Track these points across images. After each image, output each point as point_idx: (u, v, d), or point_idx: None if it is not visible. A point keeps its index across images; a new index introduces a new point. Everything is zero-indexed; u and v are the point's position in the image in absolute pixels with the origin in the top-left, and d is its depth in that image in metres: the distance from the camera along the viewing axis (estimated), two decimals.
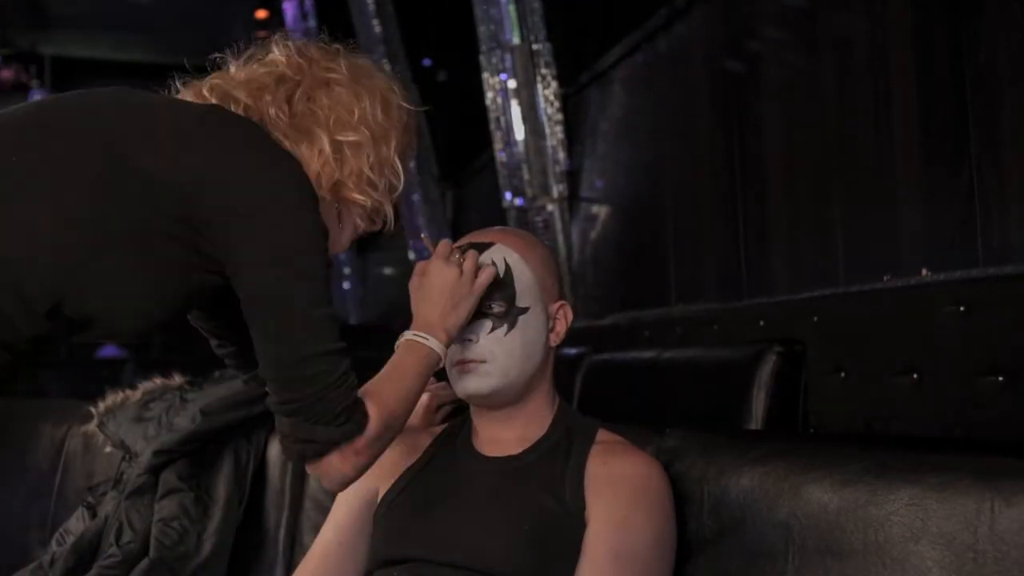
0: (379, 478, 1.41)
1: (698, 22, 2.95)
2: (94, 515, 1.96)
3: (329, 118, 1.24)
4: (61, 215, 1.10)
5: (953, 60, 1.92)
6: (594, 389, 2.60)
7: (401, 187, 1.30)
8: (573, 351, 2.92)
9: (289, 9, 7.12)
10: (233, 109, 1.23)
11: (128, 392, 2.13)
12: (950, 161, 1.92)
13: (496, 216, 3.90)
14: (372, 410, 1.18)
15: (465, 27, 4.00)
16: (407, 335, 1.28)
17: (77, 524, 1.97)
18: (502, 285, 1.33)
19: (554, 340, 1.37)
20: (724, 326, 2.57)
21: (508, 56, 3.76)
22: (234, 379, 1.94)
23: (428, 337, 1.26)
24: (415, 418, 1.45)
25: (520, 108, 3.75)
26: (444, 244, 1.34)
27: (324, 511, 1.64)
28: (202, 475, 1.89)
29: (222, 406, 1.93)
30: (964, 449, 1.21)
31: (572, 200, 3.72)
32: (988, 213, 1.83)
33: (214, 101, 1.24)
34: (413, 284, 1.32)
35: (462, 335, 1.32)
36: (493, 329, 1.32)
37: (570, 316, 1.38)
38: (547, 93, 3.73)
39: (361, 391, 1.19)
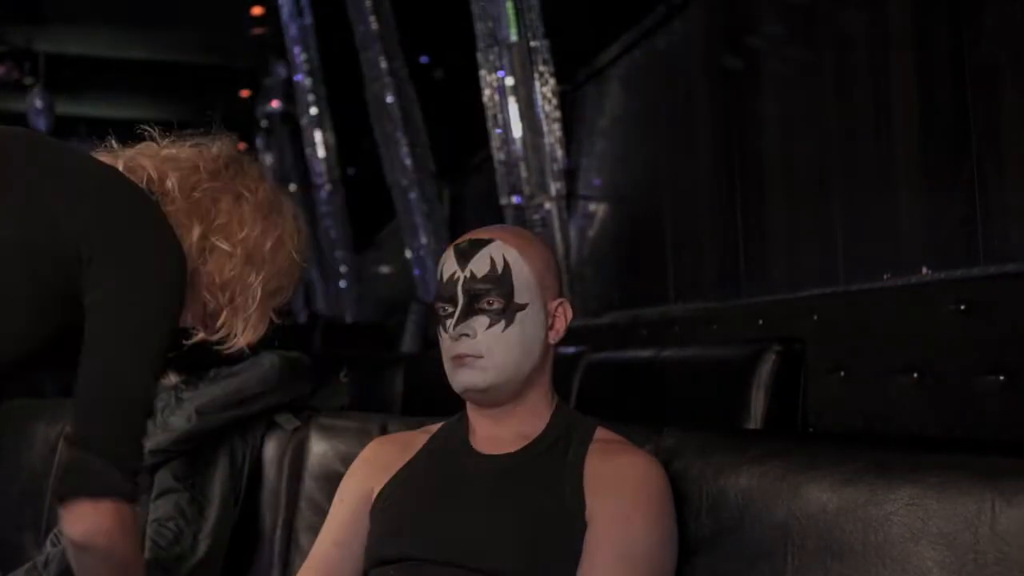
0: (374, 477, 1.40)
1: (696, 19, 2.95)
2: None
3: (215, 219, 1.29)
4: None
5: (953, 57, 1.91)
6: (592, 388, 2.59)
7: (249, 317, 1.33)
8: (571, 350, 2.91)
9: (285, 5, 7.11)
10: (138, 175, 1.27)
11: None
12: (950, 158, 1.92)
13: (494, 214, 3.90)
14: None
15: (462, 24, 3.99)
16: None
17: None
18: (499, 282, 1.32)
19: (553, 337, 1.36)
20: (723, 325, 2.57)
21: (506, 53, 3.75)
22: (229, 378, 1.93)
23: None
24: None
25: (518, 105, 3.74)
26: None
27: (320, 511, 1.63)
28: (197, 475, 1.88)
29: (217, 405, 1.92)
30: (964, 448, 1.21)
31: (570, 198, 3.71)
32: (988, 211, 1.83)
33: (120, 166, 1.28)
34: None
35: (459, 331, 1.32)
36: (491, 325, 1.31)
37: (569, 314, 1.38)
38: (545, 90, 3.72)
39: None
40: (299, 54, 7.19)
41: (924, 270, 1.94)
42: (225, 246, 1.29)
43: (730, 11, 2.77)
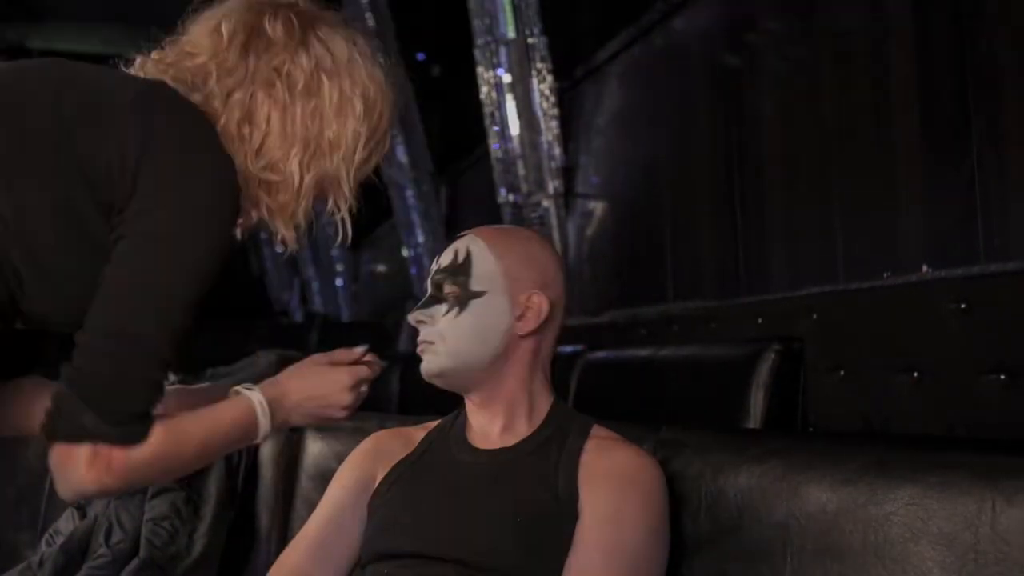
0: (377, 466, 1.41)
1: (695, 16, 2.94)
2: (84, 515, 1.94)
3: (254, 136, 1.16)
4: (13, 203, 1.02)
5: (954, 55, 1.90)
6: (590, 387, 2.59)
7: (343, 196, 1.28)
8: (569, 349, 2.90)
9: None
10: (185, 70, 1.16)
11: None
12: (951, 155, 1.91)
13: (491, 212, 3.89)
14: (158, 435, 1.04)
15: (459, 21, 3.97)
16: (250, 391, 1.17)
17: (67, 524, 1.96)
18: (457, 271, 1.36)
19: (522, 329, 1.36)
20: (722, 323, 2.56)
21: (503, 50, 3.74)
22: (227, 378, 1.92)
23: (267, 411, 1.16)
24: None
25: (515, 103, 3.73)
26: (357, 352, 1.28)
27: None
28: (193, 475, 1.87)
29: None
30: (965, 448, 1.21)
31: (568, 196, 3.71)
32: (989, 209, 1.82)
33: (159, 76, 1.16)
34: (318, 360, 1.26)
35: (416, 316, 1.36)
36: (447, 312, 1.35)
37: (544, 308, 1.36)
38: (542, 88, 3.71)
39: (160, 414, 1.06)
40: None
41: (924, 269, 1.93)
42: (278, 154, 1.16)
43: (729, 8, 2.76)
